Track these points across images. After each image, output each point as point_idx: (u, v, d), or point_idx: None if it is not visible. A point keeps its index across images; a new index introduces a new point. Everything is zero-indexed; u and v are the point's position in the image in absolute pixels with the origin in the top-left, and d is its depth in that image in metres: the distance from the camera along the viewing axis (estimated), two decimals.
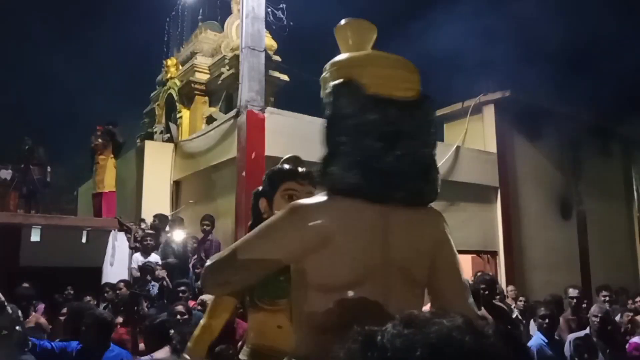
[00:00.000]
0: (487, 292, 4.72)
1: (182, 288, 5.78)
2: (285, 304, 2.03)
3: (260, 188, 2.25)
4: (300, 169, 2.14)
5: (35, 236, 8.57)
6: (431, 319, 0.73)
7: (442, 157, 8.91)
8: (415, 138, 1.39)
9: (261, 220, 2.10)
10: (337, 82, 1.39)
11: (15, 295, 6.32)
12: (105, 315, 3.84)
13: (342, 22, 1.53)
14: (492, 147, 10.06)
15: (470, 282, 6.84)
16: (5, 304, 2.49)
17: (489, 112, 10.23)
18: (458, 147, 9.31)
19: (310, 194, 2.06)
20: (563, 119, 10.48)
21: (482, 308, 4.52)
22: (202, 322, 2.12)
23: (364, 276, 1.33)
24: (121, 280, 7.57)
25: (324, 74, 1.49)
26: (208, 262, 1.49)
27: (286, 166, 2.18)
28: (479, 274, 6.20)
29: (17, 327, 2.38)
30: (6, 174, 10.93)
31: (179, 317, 4.32)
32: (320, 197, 1.40)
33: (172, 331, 3.95)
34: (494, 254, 9.77)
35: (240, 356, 2.12)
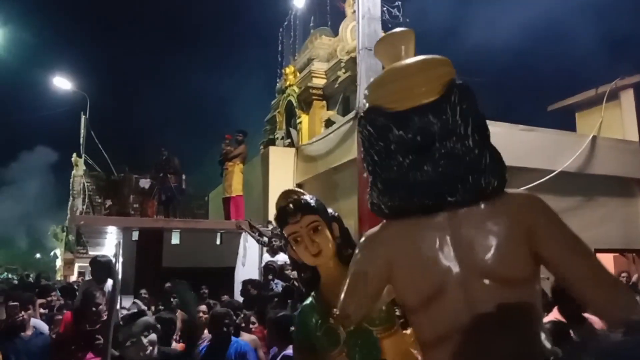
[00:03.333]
0: None
1: None
2: (343, 352, 1.89)
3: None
4: (288, 208, 1.88)
5: (175, 239, 9.28)
6: None
7: (576, 150, 8.30)
8: (450, 136, 1.31)
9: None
10: (360, 114, 1.43)
11: (165, 293, 6.89)
12: (224, 312, 4.00)
13: (376, 42, 1.53)
14: (633, 136, 9.17)
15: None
16: (144, 310, 2.73)
17: (628, 97, 9.34)
18: (594, 138, 8.60)
19: (313, 224, 1.85)
20: None
21: None
22: None
23: (439, 289, 1.29)
24: (248, 281, 7.95)
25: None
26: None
27: (278, 209, 1.92)
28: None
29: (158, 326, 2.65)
30: (145, 183, 11.97)
31: None
32: (380, 225, 1.43)
33: (292, 328, 4.05)
34: None
35: None
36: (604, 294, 1.22)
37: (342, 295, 1.44)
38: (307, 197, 1.92)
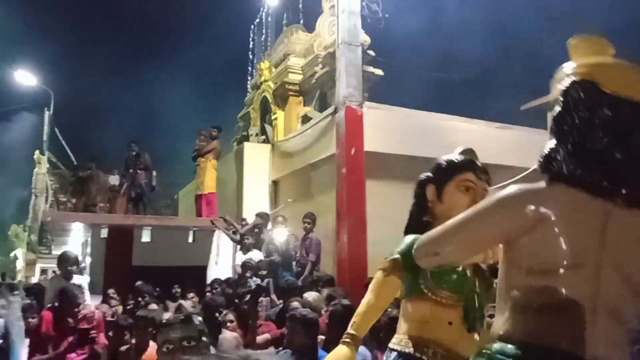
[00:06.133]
0: None
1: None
2: (458, 300, 1.97)
3: (427, 175, 2.17)
4: (481, 165, 2.08)
5: (146, 237, 9.02)
6: None
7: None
8: None
9: (425, 207, 2.12)
10: (575, 78, 1.45)
11: (135, 292, 6.67)
12: (312, 316, 3.50)
13: (578, 37, 1.58)
14: None
15: None
16: (192, 315, 2.53)
17: None
18: None
19: (484, 190, 2.04)
20: None
21: None
22: (367, 299, 2.02)
23: (572, 264, 1.35)
24: (214, 280, 7.79)
25: (556, 74, 1.53)
26: (424, 235, 1.55)
27: (464, 157, 2.09)
28: None
29: (204, 338, 2.41)
30: (114, 179, 11.65)
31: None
32: (539, 184, 1.43)
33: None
34: None
35: (396, 347, 2.00)
36: None
37: (444, 230, 1.48)
38: None
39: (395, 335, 2.07)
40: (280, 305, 5.57)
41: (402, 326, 2.06)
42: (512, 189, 1.43)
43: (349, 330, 1.97)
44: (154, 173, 10.88)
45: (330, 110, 7.81)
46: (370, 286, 2.06)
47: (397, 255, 2.02)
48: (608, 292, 1.34)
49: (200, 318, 2.50)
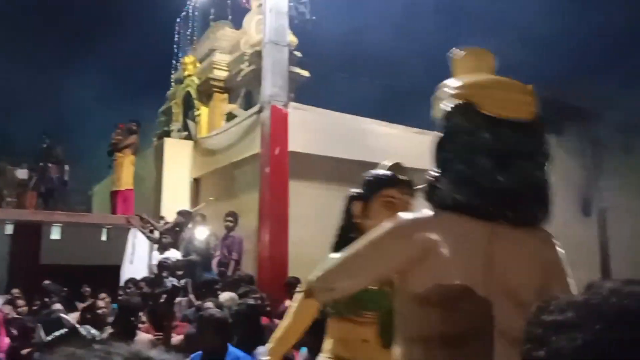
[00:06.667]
0: None
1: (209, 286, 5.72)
2: (373, 317, 1.99)
3: (356, 191, 2.19)
4: (402, 177, 2.09)
5: (55, 234, 8.56)
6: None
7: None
8: (528, 159, 1.42)
9: (351, 223, 2.14)
10: (454, 102, 1.44)
11: (42, 291, 6.31)
12: (221, 315, 3.47)
13: (461, 51, 1.58)
14: None
15: None
16: (76, 328, 2.41)
17: None
18: None
19: (408, 204, 2.05)
20: (585, 114, 10.36)
21: None
22: (284, 323, 2.01)
23: (465, 292, 1.35)
24: (129, 280, 7.55)
25: (437, 92, 1.52)
26: (318, 271, 1.56)
27: (388, 172, 2.12)
28: None
29: (97, 346, 2.30)
30: (22, 173, 10.93)
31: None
32: (425, 212, 1.44)
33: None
34: None
35: None
36: None
37: (337, 265, 1.49)
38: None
39: (320, 354, 2.10)
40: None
41: (325, 344, 2.08)
42: (401, 219, 1.43)
43: (266, 356, 1.96)
44: (67, 167, 10.36)
45: (255, 108, 7.77)
46: (289, 309, 2.06)
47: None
48: (500, 315, 1.33)
49: (87, 327, 2.42)
